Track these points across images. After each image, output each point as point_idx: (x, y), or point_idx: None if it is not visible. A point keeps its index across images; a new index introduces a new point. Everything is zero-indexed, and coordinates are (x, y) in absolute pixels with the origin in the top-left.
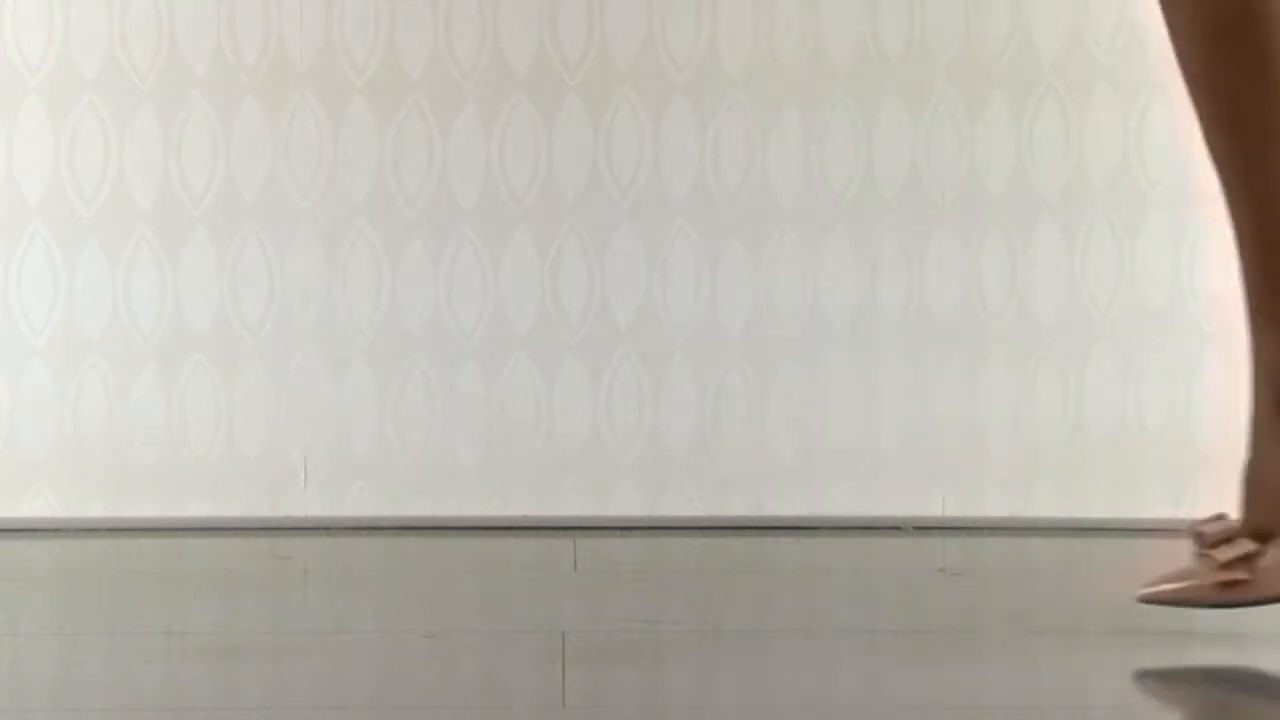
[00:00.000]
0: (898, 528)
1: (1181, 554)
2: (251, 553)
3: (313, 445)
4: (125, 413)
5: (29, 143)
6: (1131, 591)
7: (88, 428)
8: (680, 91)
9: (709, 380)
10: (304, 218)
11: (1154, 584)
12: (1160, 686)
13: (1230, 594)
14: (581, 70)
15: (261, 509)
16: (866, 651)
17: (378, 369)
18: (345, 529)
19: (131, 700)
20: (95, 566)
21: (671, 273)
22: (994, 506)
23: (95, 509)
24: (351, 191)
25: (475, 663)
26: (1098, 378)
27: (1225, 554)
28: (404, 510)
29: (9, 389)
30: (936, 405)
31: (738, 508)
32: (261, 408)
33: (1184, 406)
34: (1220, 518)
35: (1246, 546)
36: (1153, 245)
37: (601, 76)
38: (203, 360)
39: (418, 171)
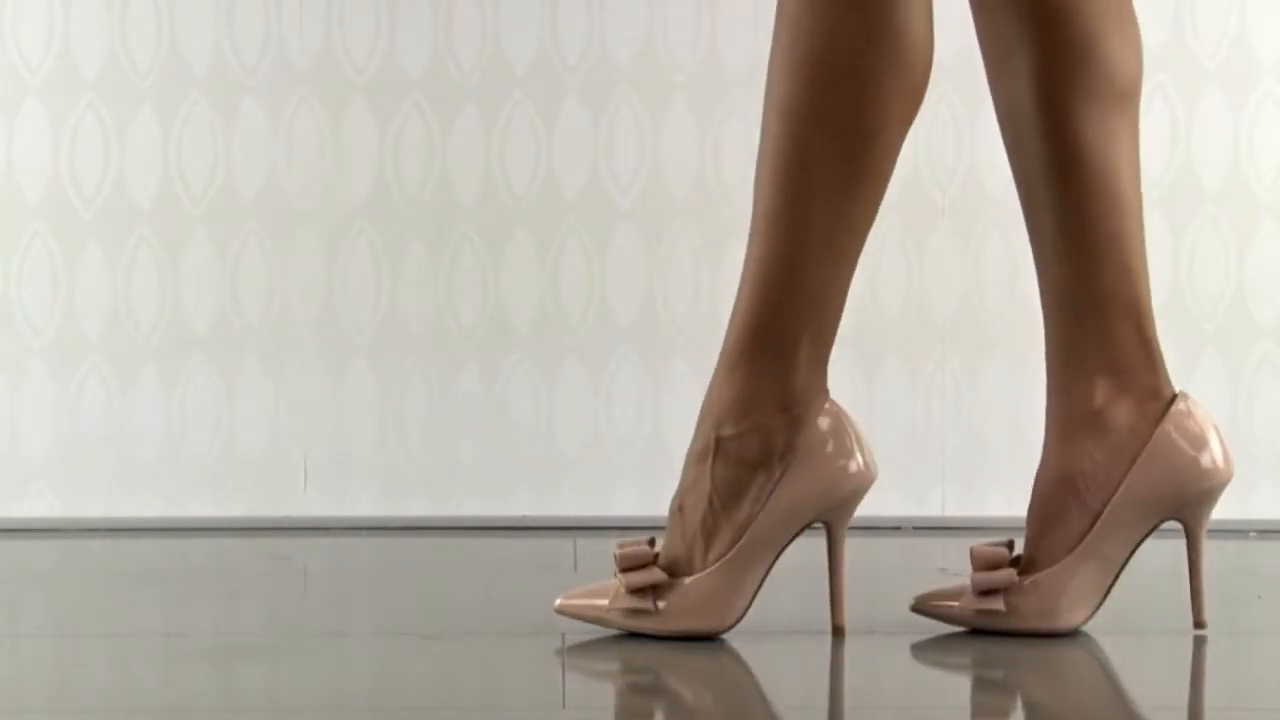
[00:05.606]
0: (898, 528)
1: (1179, 554)
2: (251, 553)
3: (313, 445)
4: (125, 413)
5: (29, 143)
6: (1130, 592)
7: (88, 428)
8: (680, 91)
9: (709, 380)
10: (304, 218)
11: (573, 596)
12: (1159, 686)
13: (639, 622)
14: (581, 70)
15: (261, 509)
16: (866, 651)
17: (378, 369)
18: (345, 529)
19: (131, 700)
20: (95, 566)
21: (671, 273)
22: (994, 506)
23: (95, 509)
24: (351, 191)
25: (475, 663)
26: None
27: (634, 580)
28: (404, 510)
29: (9, 389)
30: (936, 405)
31: None
32: (261, 408)
33: None
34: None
35: (656, 576)
36: (1153, 245)
37: (601, 76)
38: (203, 360)
39: (418, 171)
